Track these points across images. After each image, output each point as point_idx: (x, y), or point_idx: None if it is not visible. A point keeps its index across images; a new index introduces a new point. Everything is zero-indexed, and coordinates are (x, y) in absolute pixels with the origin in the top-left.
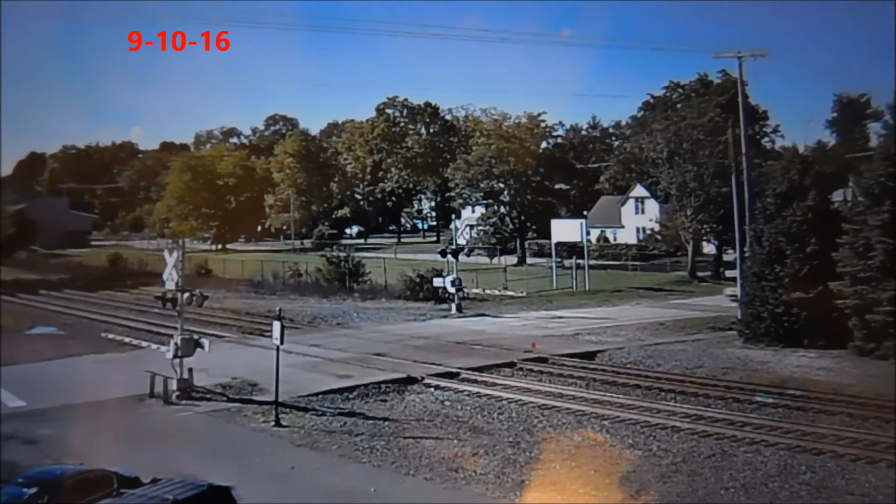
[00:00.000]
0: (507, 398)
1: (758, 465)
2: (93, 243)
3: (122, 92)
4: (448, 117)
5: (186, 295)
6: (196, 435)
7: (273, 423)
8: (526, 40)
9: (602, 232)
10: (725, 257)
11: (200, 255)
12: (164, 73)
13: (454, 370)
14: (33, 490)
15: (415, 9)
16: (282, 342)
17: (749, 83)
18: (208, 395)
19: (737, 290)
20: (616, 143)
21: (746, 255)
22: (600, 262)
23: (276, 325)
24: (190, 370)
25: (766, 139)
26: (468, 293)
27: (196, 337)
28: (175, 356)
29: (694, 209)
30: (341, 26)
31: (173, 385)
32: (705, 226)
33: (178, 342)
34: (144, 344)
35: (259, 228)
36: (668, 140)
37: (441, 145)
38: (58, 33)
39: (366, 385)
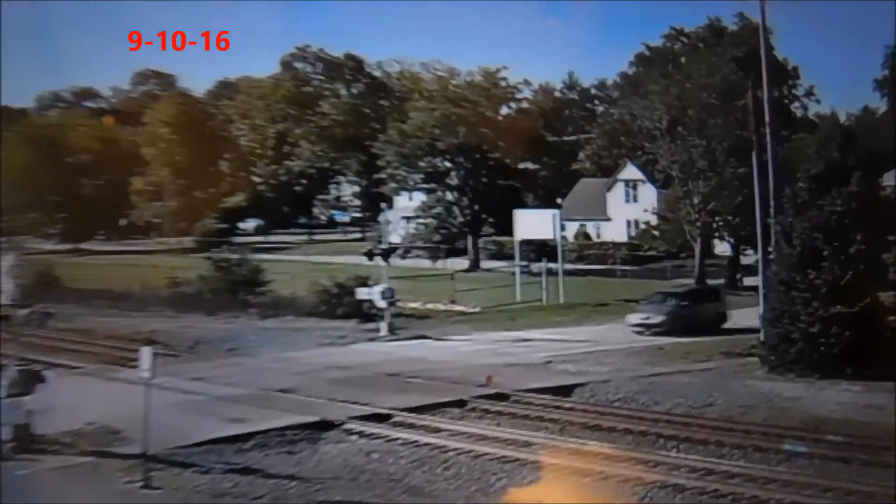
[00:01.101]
0: (456, 448)
1: None
2: None
3: None
4: (377, 74)
5: (25, 311)
6: (36, 500)
7: (141, 484)
8: None
9: (581, 226)
10: (744, 259)
11: (44, 258)
12: None
13: (384, 411)
14: None
15: None
16: (153, 375)
17: (774, 31)
18: (54, 447)
19: (646, 316)
20: (600, 109)
21: (771, 256)
22: (579, 266)
23: (146, 353)
24: (29, 413)
25: (797, 105)
26: (403, 308)
27: (37, 368)
28: (8, 395)
29: (703, 196)
30: None
31: (6, 434)
32: (717, 218)
33: (14, 375)
34: None
35: (123, 222)
36: (668, 105)
37: (367, 111)
38: None
39: (266, 432)
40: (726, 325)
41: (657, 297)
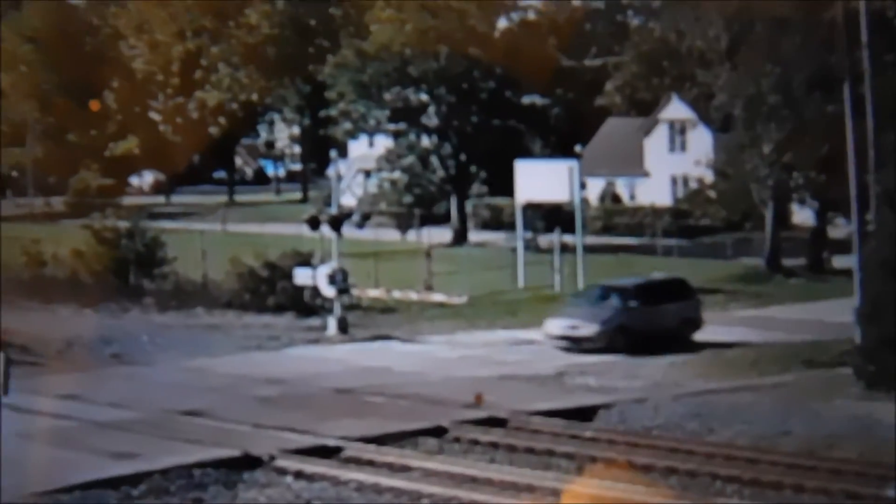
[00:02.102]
0: (431, 495)
1: None
2: None
3: None
4: None
5: None
6: None
7: None
8: None
9: (609, 185)
10: (833, 232)
11: None
12: None
13: (332, 443)
14: None
15: None
16: (6, 392)
17: None
18: None
19: (572, 324)
20: (635, 24)
21: (870, 227)
22: (606, 239)
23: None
24: None
25: None
26: (360, 298)
27: None
28: None
29: (776, 143)
30: None
31: None
32: (796, 174)
33: None
34: None
35: None
36: (728, 18)
37: (312, 23)
38: None
39: (163, 472)
40: (701, 338)
41: (591, 295)
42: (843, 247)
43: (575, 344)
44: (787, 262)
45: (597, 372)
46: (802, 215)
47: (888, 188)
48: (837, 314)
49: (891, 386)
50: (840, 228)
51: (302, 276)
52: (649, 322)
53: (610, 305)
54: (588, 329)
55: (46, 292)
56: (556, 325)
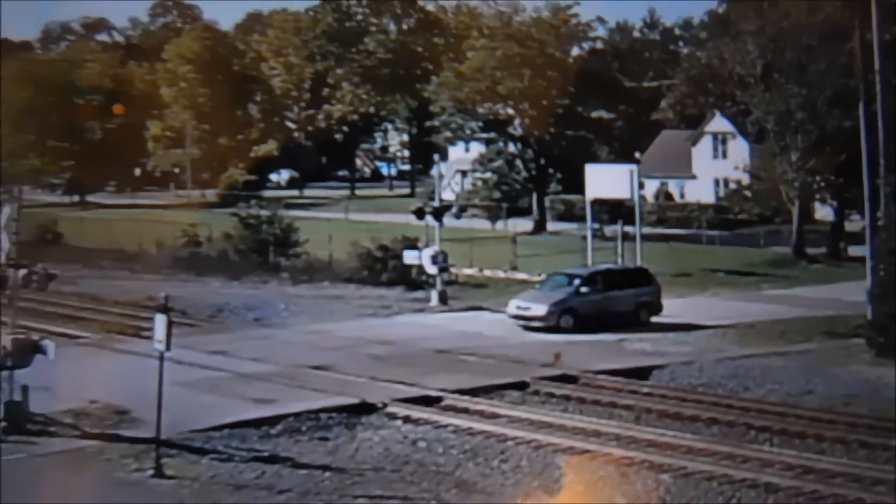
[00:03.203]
0: (515, 438)
1: None
2: None
3: None
4: (430, 7)
5: (23, 272)
6: (30, 489)
7: (151, 473)
8: None
9: (662, 185)
10: (849, 226)
11: (46, 212)
12: None
13: (433, 394)
14: None
15: None
16: (168, 347)
17: None
18: (52, 428)
19: (525, 306)
20: (685, 52)
21: (881, 222)
22: (659, 230)
23: (161, 322)
24: (24, 389)
25: None
26: (457, 275)
27: (35, 337)
28: (2, 367)
29: (802, 152)
30: None
31: None
32: (819, 178)
33: (7, 345)
34: None
35: (138, 172)
36: (763, 48)
37: (419, 49)
38: None
39: (296, 415)
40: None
41: (553, 280)
42: (857, 238)
43: (526, 322)
44: (810, 250)
45: (651, 339)
46: (823, 212)
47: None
48: (852, 294)
49: None
50: (855, 223)
51: (410, 257)
52: (601, 306)
53: (563, 290)
54: (537, 310)
55: (201, 267)
56: (513, 306)
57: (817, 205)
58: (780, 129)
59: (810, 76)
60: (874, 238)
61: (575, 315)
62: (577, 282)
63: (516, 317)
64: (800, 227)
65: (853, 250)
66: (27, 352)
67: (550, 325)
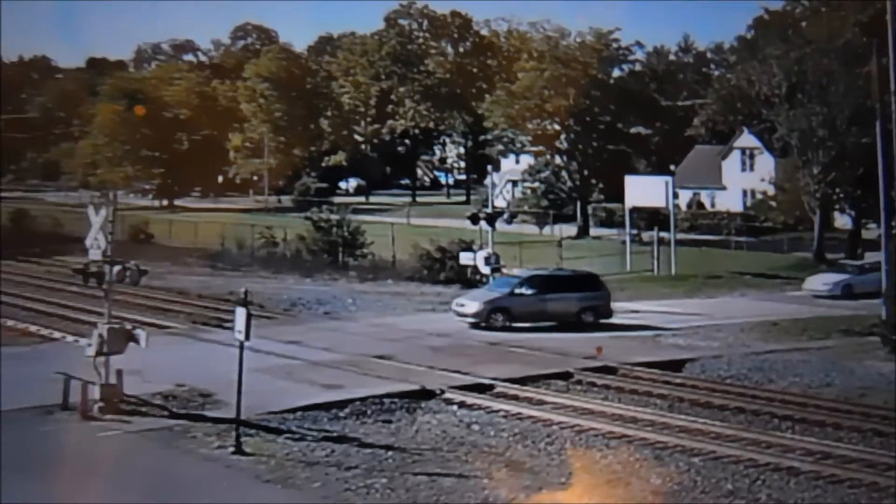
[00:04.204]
0: (560, 422)
1: None
2: None
3: None
4: (484, 32)
5: (117, 268)
6: (124, 463)
7: (232, 450)
8: None
9: (695, 195)
10: (865, 233)
11: (138, 214)
12: None
13: (486, 381)
14: None
15: None
16: (247, 337)
17: None
18: (143, 409)
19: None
20: (716, 74)
21: (895, 231)
22: (692, 236)
23: (241, 314)
24: (119, 373)
25: None
26: (509, 275)
27: (129, 327)
28: (99, 353)
29: (823, 166)
30: None
31: (95, 393)
32: (838, 189)
33: (104, 334)
34: (56, 335)
35: (220, 179)
36: (787, 70)
37: (474, 70)
38: None
39: (362, 399)
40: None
41: (497, 281)
42: (873, 245)
43: (463, 319)
44: (830, 255)
45: (684, 334)
46: (842, 220)
47: None
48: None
49: None
50: (871, 231)
51: (465, 258)
52: (537, 307)
53: (500, 290)
54: (470, 307)
55: (277, 265)
56: (455, 303)
57: (836, 214)
58: (803, 145)
59: (831, 97)
60: (889, 244)
61: (507, 314)
62: (514, 284)
63: (456, 313)
64: (820, 235)
65: (869, 256)
66: (122, 340)
67: (481, 322)
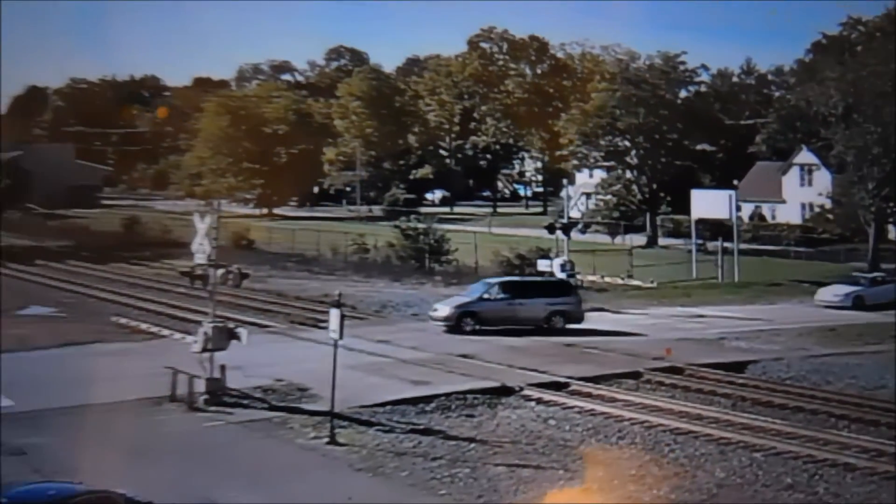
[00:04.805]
0: (631, 418)
1: None
2: (103, 203)
3: (146, 13)
4: (560, 55)
5: (221, 271)
6: (227, 451)
7: (327, 440)
8: None
9: (757, 208)
10: None
11: (240, 222)
12: None
13: (562, 380)
14: None
15: None
16: (341, 336)
17: None
18: (245, 401)
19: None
20: (777, 95)
21: None
22: (754, 246)
23: (335, 315)
24: (222, 368)
25: None
26: (582, 281)
27: (231, 326)
28: (204, 349)
29: (877, 181)
30: None
31: (200, 386)
32: (892, 203)
33: (209, 332)
34: (165, 332)
35: (315, 190)
36: (844, 92)
37: (550, 90)
38: None
39: (447, 395)
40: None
41: (473, 287)
42: None
43: (436, 323)
44: (886, 265)
45: (746, 338)
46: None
47: None
48: None
49: None
50: None
51: (542, 265)
52: (506, 311)
53: (472, 296)
54: (442, 311)
55: (368, 270)
56: (433, 309)
57: (890, 227)
58: (858, 162)
59: (885, 117)
60: None
61: (476, 318)
62: (486, 289)
63: (431, 318)
64: (875, 246)
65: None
66: (225, 337)
67: (451, 326)
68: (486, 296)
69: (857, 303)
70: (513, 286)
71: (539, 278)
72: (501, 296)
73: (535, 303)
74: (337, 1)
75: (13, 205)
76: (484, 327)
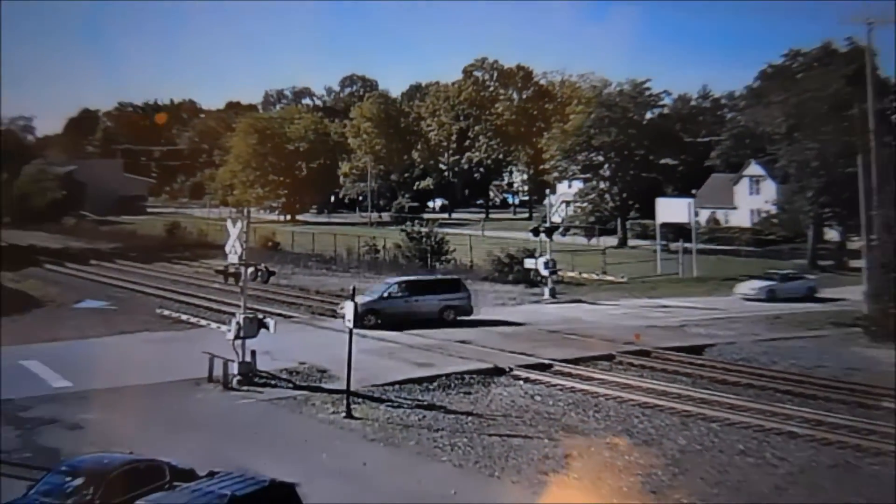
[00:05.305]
0: (605, 395)
1: (885, 479)
2: (148, 210)
3: (185, 45)
4: (542, 82)
5: (251, 270)
6: (258, 425)
7: (344, 415)
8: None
9: (712, 213)
10: (850, 245)
11: (267, 227)
12: (230, 25)
13: (546, 361)
14: (78, 481)
15: None
16: (355, 325)
17: (879, 52)
18: (272, 382)
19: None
20: (729, 116)
21: (874, 243)
22: (710, 246)
23: (350, 307)
24: (253, 353)
25: None
26: (563, 276)
27: (260, 316)
28: (237, 337)
29: (815, 191)
30: None
31: (234, 369)
32: (828, 210)
33: (241, 321)
34: (203, 322)
35: (332, 199)
36: (787, 113)
37: (534, 112)
38: None
39: (447, 375)
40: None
41: (376, 287)
42: (856, 254)
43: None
44: (822, 262)
45: (705, 325)
46: (831, 234)
47: (885, 219)
48: (853, 295)
49: (886, 340)
50: (855, 243)
51: (529, 263)
52: (404, 308)
53: (374, 294)
54: (347, 309)
55: (378, 268)
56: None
57: (827, 229)
58: (799, 174)
59: (822, 135)
60: (869, 254)
61: (378, 315)
62: (386, 287)
63: (337, 314)
64: (814, 246)
65: (853, 263)
66: (255, 326)
67: (358, 322)
68: (386, 294)
69: (770, 295)
70: (410, 285)
71: (432, 277)
72: (400, 294)
73: (430, 299)
74: (351, 35)
75: (69, 212)
76: (384, 322)
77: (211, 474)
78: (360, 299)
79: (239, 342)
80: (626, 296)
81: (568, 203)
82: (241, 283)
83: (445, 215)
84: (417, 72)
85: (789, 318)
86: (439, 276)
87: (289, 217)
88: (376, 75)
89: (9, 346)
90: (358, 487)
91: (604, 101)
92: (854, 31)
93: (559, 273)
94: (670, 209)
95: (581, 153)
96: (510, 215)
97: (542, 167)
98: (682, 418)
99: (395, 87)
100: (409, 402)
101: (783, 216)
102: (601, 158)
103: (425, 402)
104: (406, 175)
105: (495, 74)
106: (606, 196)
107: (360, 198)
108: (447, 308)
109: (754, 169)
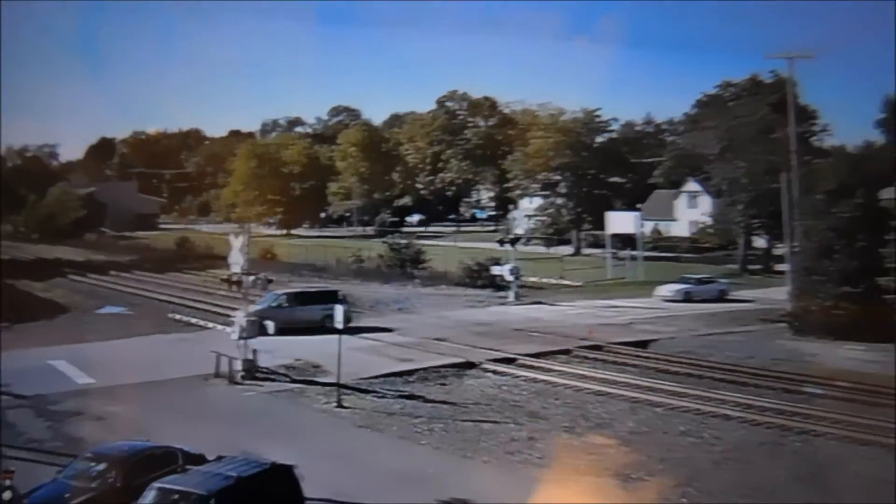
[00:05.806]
0: (563, 384)
1: (807, 455)
2: (160, 226)
3: (192, 80)
4: (506, 111)
5: (252, 278)
6: (260, 414)
7: (335, 405)
8: (583, 39)
9: (656, 225)
10: (775, 251)
11: (265, 240)
12: (232, 64)
13: (512, 356)
14: (102, 466)
15: (477, 7)
16: (344, 326)
17: (799, 83)
18: (272, 376)
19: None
20: (670, 140)
21: (796, 249)
22: (654, 253)
23: (339, 309)
24: (255, 351)
25: (816, 138)
26: (525, 281)
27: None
28: (240, 337)
29: (745, 204)
30: (406, 20)
31: (238, 365)
32: (756, 220)
33: (243, 324)
34: (210, 325)
35: (322, 215)
36: (720, 137)
37: (499, 138)
38: (125, 24)
39: (426, 369)
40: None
41: (268, 297)
42: (781, 259)
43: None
44: (751, 266)
45: (650, 322)
46: (759, 242)
47: (806, 228)
48: (778, 294)
49: (808, 334)
50: (780, 249)
51: (495, 270)
52: (289, 317)
53: (265, 304)
54: (241, 319)
55: (364, 275)
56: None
57: (756, 237)
58: (731, 190)
59: (751, 155)
60: (792, 259)
61: (274, 322)
62: (275, 298)
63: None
64: (744, 253)
65: (778, 267)
66: (255, 328)
67: (253, 330)
68: (274, 304)
69: (686, 297)
70: (295, 296)
71: (315, 289)
72: (286, 304)
73: (312, 309)
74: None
75: (91, 229)
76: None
77: (219, 459)
78: (251, 308)
79: (242, 342)
80: (581, 297)
81: (529, 217)
82: (243, 290)
83: (423, 229)
84: (397, 103)
85: (724, 316)
86: (322, 289)
87: (285, 231)
88: (360, 106)
89: (39, 348)
90: (348, 467)
91: (560, 128)
92: (777, 64)
93: (522, 278)
94: (619, 221)
95: (540, 173)
96: (479, 228)
97: (506, 185)
98: (630, 404)
99: (377, 116)
100: (393, 392)
101: (717, 227)
102: (558, 177)
103: (406, 393)
104: (387, 193)
105: (465, 105)
106: (563, 210)
107: (348, 214)
108: (329, 317)
109: (692, 186)
